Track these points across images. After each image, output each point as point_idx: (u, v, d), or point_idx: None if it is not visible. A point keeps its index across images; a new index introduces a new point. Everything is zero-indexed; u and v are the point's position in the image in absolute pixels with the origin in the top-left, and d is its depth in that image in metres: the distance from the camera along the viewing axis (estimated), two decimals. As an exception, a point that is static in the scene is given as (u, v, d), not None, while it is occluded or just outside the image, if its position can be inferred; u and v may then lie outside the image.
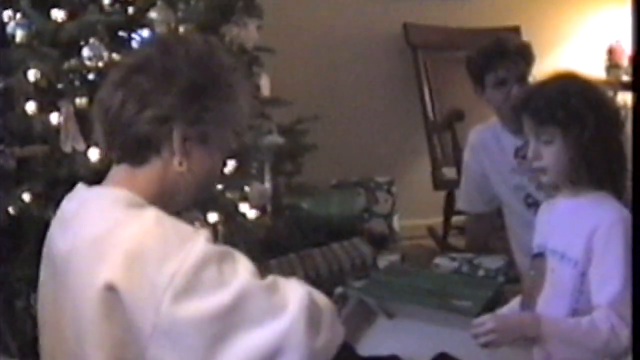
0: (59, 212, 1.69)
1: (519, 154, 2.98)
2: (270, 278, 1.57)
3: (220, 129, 1.66)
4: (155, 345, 1.48)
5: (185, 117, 1.61)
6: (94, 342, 1.53)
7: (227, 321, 1.48)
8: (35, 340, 2.65)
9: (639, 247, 1.63)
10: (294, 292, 1.55)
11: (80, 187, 1.70)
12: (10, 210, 2.56)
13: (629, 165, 2.07)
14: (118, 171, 1.68)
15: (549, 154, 2.07)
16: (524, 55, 3.00)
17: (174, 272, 1.47)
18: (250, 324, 1.49)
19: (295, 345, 1.50)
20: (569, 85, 2.09)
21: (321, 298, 1.61)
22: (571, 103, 2.03)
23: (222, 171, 1.74)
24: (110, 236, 1.53)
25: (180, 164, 1.62)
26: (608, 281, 1.97)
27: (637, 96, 1.73)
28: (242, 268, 1.54)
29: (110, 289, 1.49)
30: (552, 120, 2.04)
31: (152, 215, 1.55)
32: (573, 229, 2.06)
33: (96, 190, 1.66)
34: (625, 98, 2.24)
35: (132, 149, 1.64)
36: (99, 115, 1.67)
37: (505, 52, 3.00)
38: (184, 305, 1.47)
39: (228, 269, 1.52)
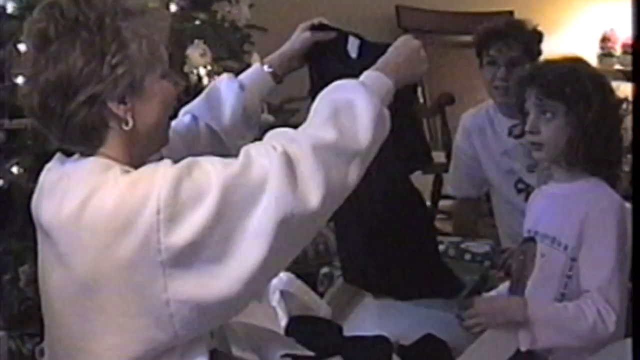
0: (39, 184, 1.69)
1: (513, 132, 2.99)
2: (241, 154, 1.57)
3: (141, 70, 1.61)
4: (174, 280, 1.50)
5: (106, 84, 1.57)
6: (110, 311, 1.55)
7: (225, 222, 1.50)
8: (22, 313, 2.66)
9: (639, 244, 1.63)
10: (267, 159, 1.54)
11: (59, 157, 1.69)
12: (-1, 182, 2.56)
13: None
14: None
15: (549, 129, 2.07)
16: (522, 41, 2.97)
17: (157, 209, 1.48)
18: (245, 211, 1.51)
19: (293, 211, 1.52)
20: (579, 66, 2.10)
21: (296, 149, 1.57)
22: (580, 82, 2.04)
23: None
24: (90, 206, 1.52)
25: (127, 123, 1.61)
26: (598, 266, 1.98)
27: (637, 87, 1.73)
28: (211, 166, 1.54)
29: (129, 266, 1.51)
30: (559, 95, 2.04)
31: (116, 171, 1.56)
32: (565, 213, 2.07)
33: (75, 161, 1.65)
34: (617, 86, 2.26)
35: (83, 140, 1.62)
36: (32, 118, 1.67)
37: (502, 34, 2.98)
38: (178, 232, 1.49)
39: (200, 175, 1.52)
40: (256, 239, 1.51)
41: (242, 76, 2.08)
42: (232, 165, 1.54)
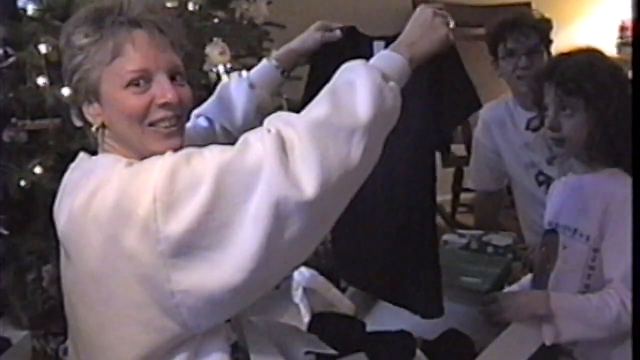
0: (62, 183, 1.70)
1: (531, 125, 2.99)
2: (239, 141, 1.55)
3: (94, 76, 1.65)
4: (175, 270, 1.49)
5: (75, 83, 1.67)
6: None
7: (222, 208, 1.48)
8: (45, 312, 2.67)
9: (639, 237, 1.62)
10: (261, 143, 1.51)
11: (83, 157, 1.71)
12: (22, 183, 2.56)
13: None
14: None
15: (569, 125, 2.06)
16: (538, 29, 3.00)
17: (154, 197, 1.48)
18: (242, 196, 1.48)
19: (287, 193, 1.47)
20: (596, 59, 2.09)
21: (290, 131, 1.53)
22: (599, 76, 2.04)
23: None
24: (96, 199, 1.53)
25: (97, 128, 1.67)
26: (621, 256, 1.96)
27: (637, 73, 1.72)
28: (209, 153, 1.53)
29: (132, 257, 1.50)
30: (579, 91, 2.03)
31: (122, 164, 1.58)
32: (586, 204, 2.07)
33: (97, 159, 1.68)
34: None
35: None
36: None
37: (516, 24, 3.02)
38: (175, 220, 1.47)
39: (196, 161, 1.51)
40: (253, 224, 1.47)
41: (251, 73, 2.11)
42: (229, 151, 1.53)
